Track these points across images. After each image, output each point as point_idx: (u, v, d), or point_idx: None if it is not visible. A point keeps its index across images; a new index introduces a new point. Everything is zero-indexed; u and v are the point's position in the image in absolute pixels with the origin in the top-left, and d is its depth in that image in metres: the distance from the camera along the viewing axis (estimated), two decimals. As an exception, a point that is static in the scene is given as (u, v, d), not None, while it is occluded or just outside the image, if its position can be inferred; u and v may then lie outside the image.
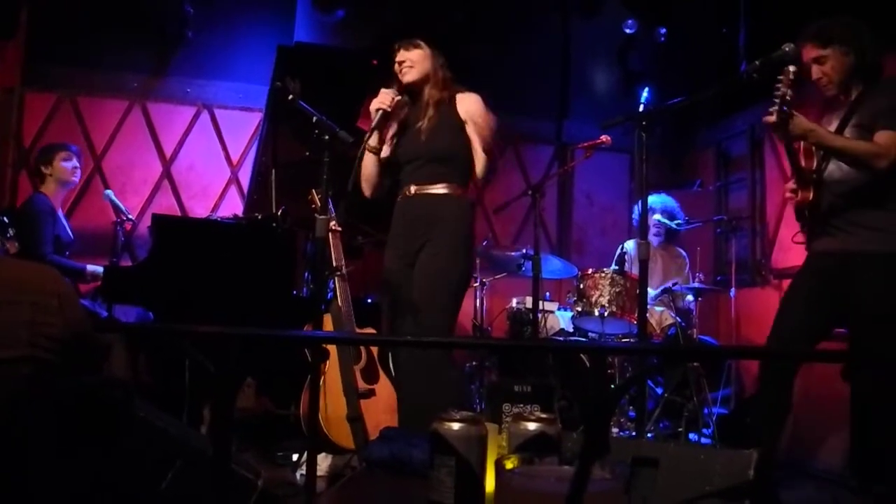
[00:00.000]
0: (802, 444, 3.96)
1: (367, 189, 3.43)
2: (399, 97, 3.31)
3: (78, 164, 4.78)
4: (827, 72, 3.15)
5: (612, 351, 4.26)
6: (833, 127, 3.13)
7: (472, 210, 3.37)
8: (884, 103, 3.01)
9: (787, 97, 2.97)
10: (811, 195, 3.15)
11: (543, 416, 1.31)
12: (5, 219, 3.63)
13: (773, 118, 2.97)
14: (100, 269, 4.33)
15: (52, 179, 4.65)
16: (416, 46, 3.35)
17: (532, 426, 1.28)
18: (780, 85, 2.96)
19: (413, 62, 3.33)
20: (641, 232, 3.15)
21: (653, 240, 5.24)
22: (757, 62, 2.97)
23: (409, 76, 3.33)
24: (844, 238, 3.07)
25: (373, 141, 3.35)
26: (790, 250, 5.69)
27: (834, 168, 3.13)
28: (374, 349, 3.63)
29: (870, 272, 2.98)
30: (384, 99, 3.25)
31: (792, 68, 2.97)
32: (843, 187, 3.09)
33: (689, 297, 4.85)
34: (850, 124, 3.09)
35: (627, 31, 6.59)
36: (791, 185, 3.26)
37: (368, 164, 3.41)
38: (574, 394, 4.42)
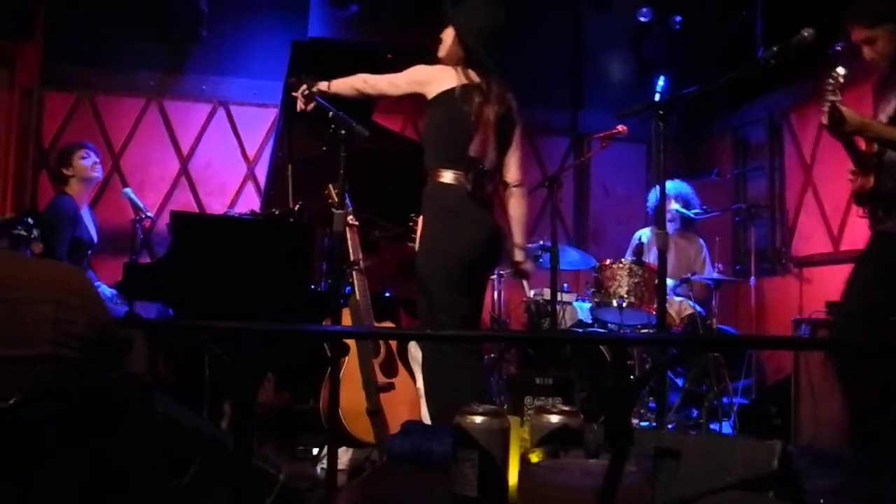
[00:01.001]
0: (826, 434, 3.93)
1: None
2: None
3: (97, 159, 4.84)
4: (879, 51, 3.11)
5: (632, 342, 4.24)
6: (891, 105, 3.08)
7: (431, 192, 3.19)
8: None
9: (837, 101, 2.95)
10: (871, 180, 3.11)
11: (566, 408, 1.30)
12: (30, 220, 3.66)
13: (825, 120, 2.96)
14: None
15: (75, 179, 4.71)
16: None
17: (555, 419, 1.28)
18: (828, 88, 2.96)
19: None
20: (658, 221, 3.11)
21: (668, 226, 5.20)
22: (775, 48, 2.94)
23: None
24: None
25: None
26: (811, 238, 5.65)
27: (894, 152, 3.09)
28: (394, 343, 3.63)
29: None
30: None
31: (841, 71, 2.96)
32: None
33: (710, 286, 4.81)
34: None
35: (642, 19, 6.53)
36: (851, 168, 3.21)
37: None
38: (594, 385, 4.41)
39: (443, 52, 3.27)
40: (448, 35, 3.27)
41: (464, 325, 3.08)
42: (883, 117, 3.11)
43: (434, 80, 3.16)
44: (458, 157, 3.09)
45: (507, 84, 3.24)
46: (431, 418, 3.13)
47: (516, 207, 3.36)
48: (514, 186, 3.34)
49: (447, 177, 3.11)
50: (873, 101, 3.24)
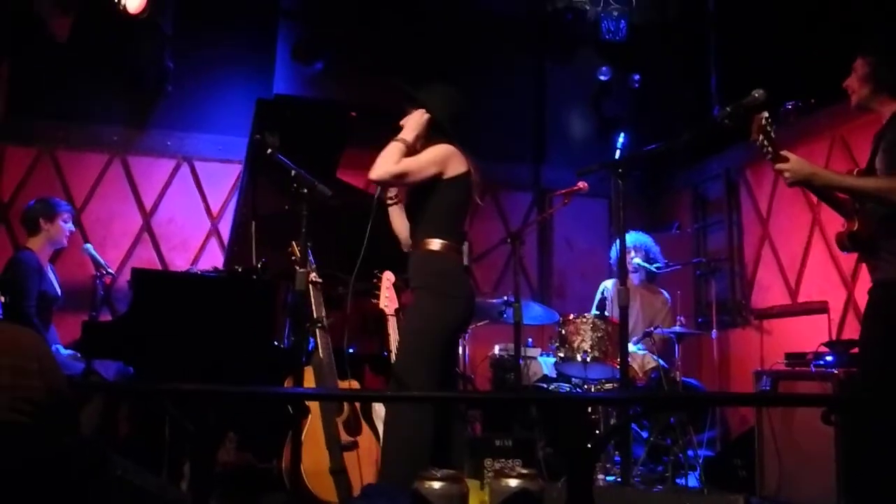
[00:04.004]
0: (790, 485, 3.95)
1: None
2: None
3: (74, 228, 4.81)
4: (851, 82, 3.17)
5: (596, 402, 4.25)
6: (870, 155, 3.10)
7: (431, 261, 3.30)
8: None
9: (765, 145, 2.98)
10: (855, 225, 3.08)
11: (524, 471, 1.31)
12: None
13: (780, 174, 3.00)
14: None
15: (46, 236, 4.62)
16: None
17: (513, 483, 1.28)
18: (752, 136, 3.00)
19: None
20: (620, 276, 3.16)
21: (633, 277, 5.26)
22: (728, 108, 3.03)
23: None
24: (886, 267, 3.00)
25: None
26: (769, 290, 5.75)
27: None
28: (357, 401, 3.60)
29: None
30: None
31: (765, 115, 3.00)
32: (879, 216, 3.01)
33: (672, 338, 4.85)
34: (881, 149, 3.05)
35: (602, 77, 6.71)
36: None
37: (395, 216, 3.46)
38: (558, 443, 4.39)
39: (410, 133, 3.30)
40: (417, 116, 3.32)
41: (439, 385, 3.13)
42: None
43: (451, 160, 3.26)
44: (459, 233, 3.31)
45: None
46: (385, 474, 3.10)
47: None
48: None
49: (445, 248, 3.22)
50: None
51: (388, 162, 3.16)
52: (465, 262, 3.37)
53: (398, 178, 3.20)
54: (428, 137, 3.28)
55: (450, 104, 3.32)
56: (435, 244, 3.22)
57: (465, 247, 3.37)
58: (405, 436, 3.05)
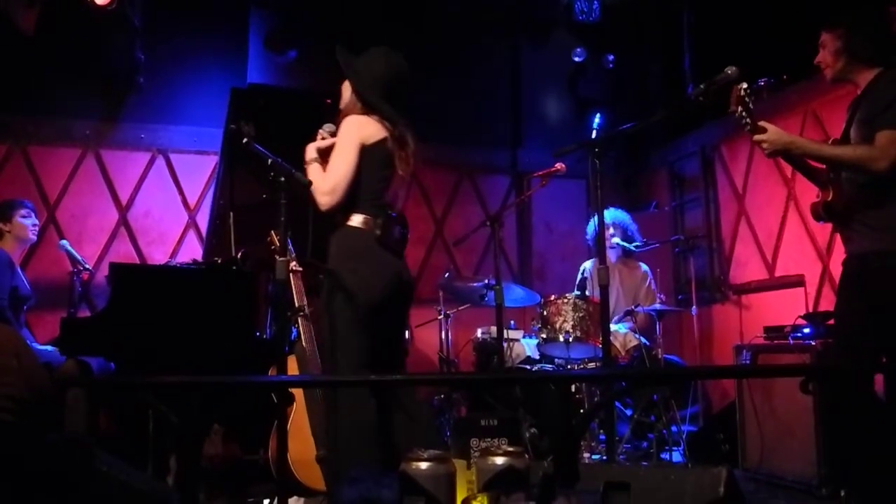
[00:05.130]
0: (771, 456, 4.01)
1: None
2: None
3: (37, 221, 4.73)
4: (824, 57, 3.19)
5: (578, 379, 4.29)
6: (845, 124, 3.13)
7: (340, 235, 3.17)
8: (882, 99, 2.98)
9: (743, 116, 3.03)
10: (830, 195, 3.11)
11: (510, 449, 1.32)
12: None
13: (758, 145, 3.04)
14: None
15: (11, 236, 4.58)
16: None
17: (500, 461, 1.29)
18: (731, 108, 3.03)
19: None
20: (599, 255, 3.17)
21: (610, 254, 5.28)
22: (701, 86, 3.05)
23: None
24: (860, 239, 3.04)
25: None
26: (747, 265, 5.81)
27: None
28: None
29: (877, 273, 2.96)
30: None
31: (744, 85, 3.03)
32: (854, 185, 3.05)
33: (653, 316, 4.90)
34: (856, 120, 3.08)
35: (576, 59, 6.72)
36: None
37: None
38: (543, 423, 4.43)
39: (342, 103, 3.26)
40: (346, 88, 3.28)
41: (367, 367, 2.99)
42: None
43: (363, 129, 3.14)
44: (376, 205, 3.12)
45: (410, 127, 3.25)
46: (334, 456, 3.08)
47: None
48: None
49: (358, 222, 3.10)
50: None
51: (318, 189, 3.04)
52: (382, 233, 3.07)
53: (336, 192, 3.05)
54: (361, 109, 3.19)
55: (375, 72, 3.20)
56: (348, 218, 3.11)
57: (386, 219, 3.06)
58: (344, 420, 3.01)
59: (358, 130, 3.12)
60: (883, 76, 3.07)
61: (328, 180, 3.04)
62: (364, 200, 3.12)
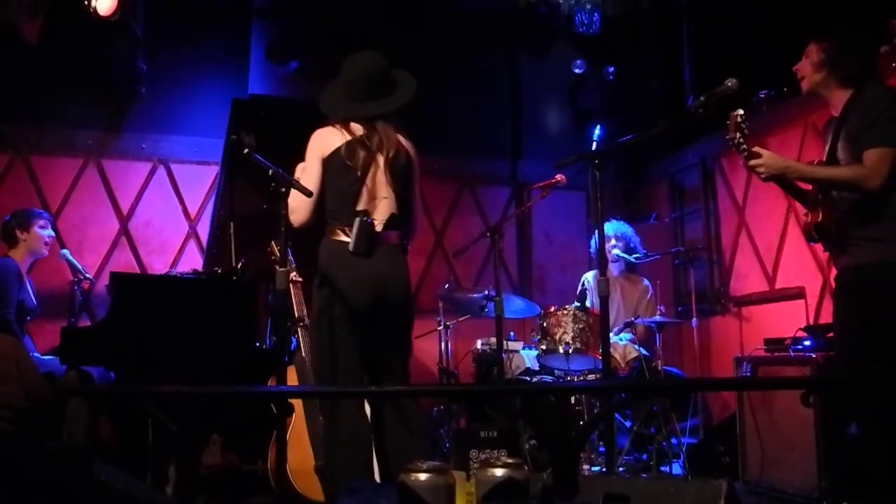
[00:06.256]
0: (772, 469, 4.00)
1: None
2: None
3: (52, 234, 4.74)
4: (802, 67, 3.22)
5: (578, 391, 4.28)
6: (827, 147, 3.15)
7: (321, 248, 3.20)
8: (866, 117, 3.00)
9: (740, 142, 3.04)
10: (819, 216, 3.14)
11: (510, 461, 1.32)
12: None
13: (754, 170, 3.05)
14: None
15: (25, 246, 4.57)
16: None
17: (499, 472, 1.29)
18: (728, 134, 3.05)
19: None
20: (601, 267, 3.18)
21: (613, 268, 5.31)
22: (702, 98, 3.06)
23: None
24: (857, 251, 3.04)
25: None
26: (747, 277, 5.81)
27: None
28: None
29: (877, 285, 2.97)
30: None
31: (740, 112, 3.05)
32: (845, 203, 3.08)
33: (653, 328, 4.89)
34: (842, 139, 3.10)
35: (576, 70, 6.74)
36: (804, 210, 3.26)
37: None
38: (542, 434, 4.42)
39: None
40: None
41: (345, 377, 3.00)
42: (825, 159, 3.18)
43: (322, 142, 3.17)
44: (346, 214, 3.11)
45: (396, 126, 3.24)
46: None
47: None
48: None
49: (328, 232, 3.14)
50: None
51: (289, 213, 3.05)
52: (357, 244, 3.03)
53: (298, 210, 3.07)
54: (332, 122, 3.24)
55: (338, 83, 3.28)
56: (324, 231, 3.15)
57: (357, 226, 3.02)
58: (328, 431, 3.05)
59: (316, 144, 3.18)
60: (861, 95, 3.09)
61: (291, 199, 3.04)
62: (335, 211, 3.14)
